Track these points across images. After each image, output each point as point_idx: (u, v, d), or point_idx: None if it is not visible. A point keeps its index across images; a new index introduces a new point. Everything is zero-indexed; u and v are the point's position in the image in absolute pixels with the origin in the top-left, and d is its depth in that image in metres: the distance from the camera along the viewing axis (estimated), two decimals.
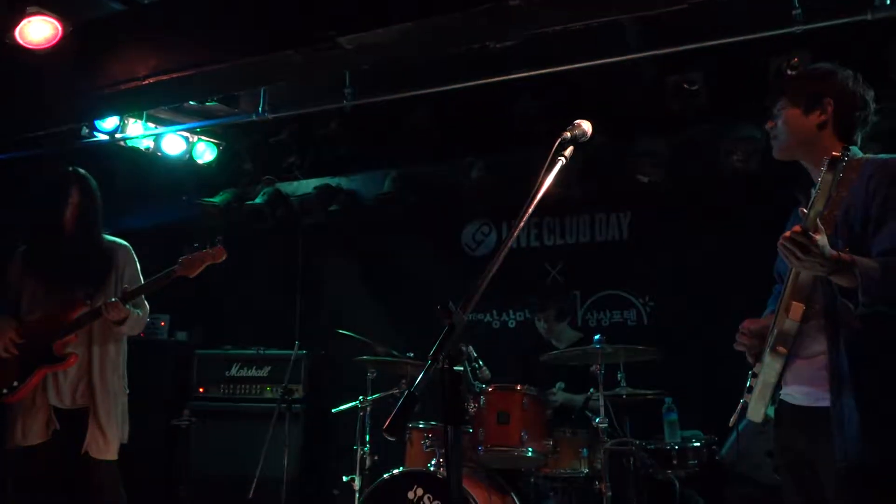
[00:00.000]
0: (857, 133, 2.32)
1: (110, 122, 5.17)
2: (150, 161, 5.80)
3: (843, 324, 2.13)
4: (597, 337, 3.87)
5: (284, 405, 4.92)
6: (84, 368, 3.48)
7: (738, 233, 4.69)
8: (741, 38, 3.68)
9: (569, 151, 1.99)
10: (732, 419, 2.42)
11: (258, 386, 5.61)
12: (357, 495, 4.20)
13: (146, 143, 5.71)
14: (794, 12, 3.51)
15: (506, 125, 5.21)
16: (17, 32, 3.85)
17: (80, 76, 4.24)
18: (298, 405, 5.27)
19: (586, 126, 2.04)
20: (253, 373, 5.65)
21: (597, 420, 3.80)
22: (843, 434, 2.08)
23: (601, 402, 3.82)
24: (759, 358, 2.35)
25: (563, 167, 1.97)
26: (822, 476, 2.18)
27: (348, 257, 6.29)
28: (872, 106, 2.33)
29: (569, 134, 2.02)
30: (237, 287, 6.20)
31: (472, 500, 3.55)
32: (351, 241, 6.25)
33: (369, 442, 4.33)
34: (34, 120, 4.66)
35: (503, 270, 1.80)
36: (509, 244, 1.81)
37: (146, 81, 4.17)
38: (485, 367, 4.29)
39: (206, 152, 6.02)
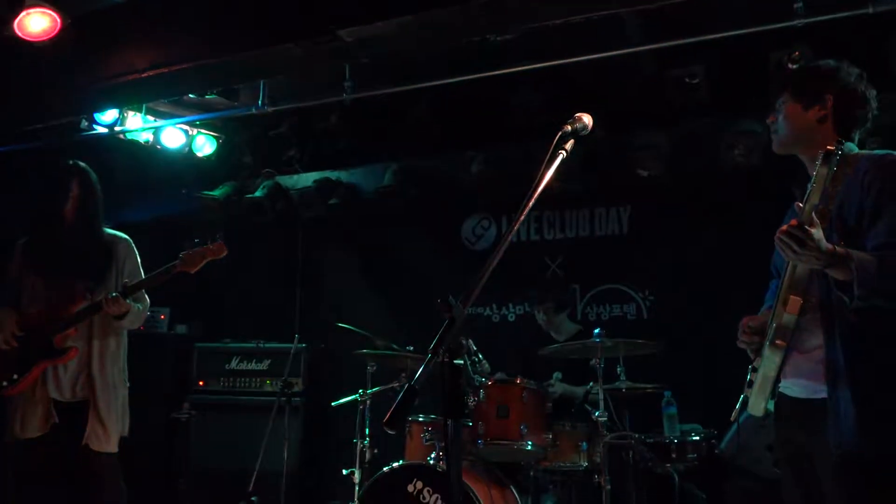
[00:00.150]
0: (856, 130, 2.34)
1: (109, 115, 5.16)
2: (149, 154, 5.79)
3: (838, 317, 2.14)
4: (597, 331, 3.87)
5: (284, 398, 4.92)
6: (84, 361, 3.48)
7: (739, 227, 4.69)
8: (742, 31, 3.68)
9: (569, 145, 1.99)
10: (734, 414, 2.43)
11: (258, 379, 5.62)
12: (357, 488, 4.21)
13: (145, 137, 5.71)
14: (795, 6, 3.50)
15: (506, 119, 5.21)
16: (15, 25, 3.83)
17: (79, 69, 4.23)
18: (298, 398, 5.28)
19: (587, 119, 2.04)
20: (253, 366, 5.65)
21: (596, 414, 3.81)
22: (839, 426, 2.10)
23: (601, 395, 3.83)
24: (759, 353, 2.36)
25: (563, 161, 1.96)
26: (819, 469, 2.20)
27: (348, 251, 6.29)
28: (874, 105, 2.34)
29: (569, 127, 2.02)
30: (237, 280, 6.20)
31: (471, 494, 3.56)
32: (351, 235, 6.25)
33: (369, 435, 4.34)
34: (33, 113, 4.65)
35: (503, 264, 1.80)
36: (509, 238, 1.81)
37: (145, 74, 4.16)
38: (484, 361, 4.29)
39: (205, 145, 6.01)
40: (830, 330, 2.17)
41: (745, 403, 2.39)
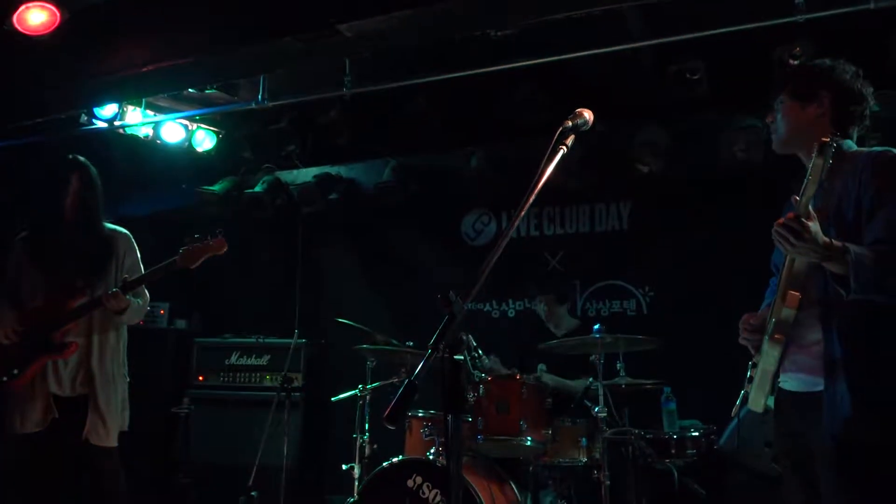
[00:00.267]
0: (853, 127, 2.37)
1: (109, 110, 5.16)
2: (149, 149, 5.79)
3: (836, 312, 2.17)
4: (596, 327, 3.87)
5: (284, 393, 4.92)
6: (84, 356, 3.48)
7: (739, 223, 4.68)
8: (743, 26, 3.67)
9: (570, 140, 1.99)
10: (734, 410, 2.45)
11: (258, 374, 5.62)
12: (356, 483, 4.21)
13: (145, 131, 5.70)
14: (796, 1, 3.49)
15: (506, 114, 5.19)
16: (15, 19, 3.82)
17: (78, 63, 4.22)
18: (298, 393, 5.28)
19: (587, 115, 2.04)
20: (252, 361, 5.65)
21: (596, 409, 3.81)
22: (834, 416, 2.14)
23: (600, 391, 3.83)
24: (759, 349, 2.37)
25: (563, 156, 1.96)
26: (818, 461, 2.22)
27: (348, 246, 6.29)
28: (871, 102, 2.38)
29: (570, 123, 2.02)
30: (237, 275, 6.19)
31: (471, 489, 3.56)
32: (351, 230, 6.25)
33: (369, 430, 4.34)
34: (32, 107, 4.65)
35: (503, 260, 1.80)
36: (509, 234, 1.81)
37: (145, 69, 4.15)
38: (484, 357, 4.29)
39: (205, 140, 6.01)
40: (828, 324, 2.19)
41: (745, 399, 2.40)
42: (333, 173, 6.10)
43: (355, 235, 6.25)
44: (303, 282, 6.23)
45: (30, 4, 3.81)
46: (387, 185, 5.76)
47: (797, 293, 2.22)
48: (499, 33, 3.73)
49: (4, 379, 3.43)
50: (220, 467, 5.29)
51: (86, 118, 5.16)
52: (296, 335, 5.26)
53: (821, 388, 2.20)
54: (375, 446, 4.34)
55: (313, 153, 6.18)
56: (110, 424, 3.45)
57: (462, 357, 3.75)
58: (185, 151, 5.97)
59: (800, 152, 2.41)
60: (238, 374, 5.65)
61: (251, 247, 6.16)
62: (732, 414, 2.46)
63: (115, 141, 5.54)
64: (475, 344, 4.28)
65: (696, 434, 3.98)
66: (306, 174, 6.19)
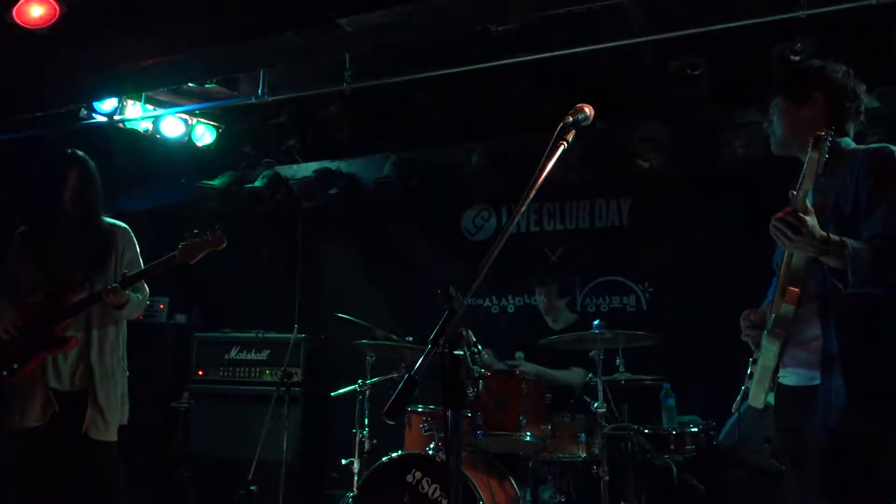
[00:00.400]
0: (849, 124, 2.41)
1: (109, 104, 5.15)
2: (148, 143, 5.78)
3: (835, 307, 2.20)
4: (596, 322, 3.87)
5: (283, 388, 4.93)
6: (83, 351, 3.48)
7: (739, 220, 4.68)
8: (744, 22, 3.66)
9: (570, 136, 1.98)
10: (735, 405, 2.46)
11: (257, 369, 5.63)
12: (356, 478, 4.22)
13: (145, 126, 5.69)
14: None
15: (506, 109, 5.19)
16: (14, 12, 3.81)
17: (77, 57, 4.22)
18: (297, 388, 5.28)
19: (588, 110, 2.04)
20: (252, 356, 5.66)
21: (595, 405, 3.81)
22: (830, 409, 2.16)
23: (600, 387, 3.83)
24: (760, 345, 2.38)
25: (564, 152, 1.96)
26: (812, 452, 2.23)
27: (348, 241, 6.29)
28: (864, 98, 2.42)
29: (570, 118, 2.02)
30: (236, 270, 6.19)
31: (470, 484, 3.57)
32: (351, 225, 6.25)
33: (368, 425, 4.35)
34: (32, 101, 4.64)
35: (503, 255, 1.80)
36: (510, 229, 1.81)
37: (145, 63, 4.15)
38: (483, 352, 4.29)
39: (205, 135, 6.00)
40: (826, 319, 2.22)
41: (745, 395, 2.41)
42: (333, 168, 6.09)
43: (355, 230, 6.25)
44: (302, 277, 6.22)
45: None
46: (387, 181, 5.76)
47: (796, 289, 2.24)
48: (499, 28, 3.72)
49: (4, 374, 3.43)
50: (220, 462, 5.30)
51: (85, 112, 5.15)
52: (295, 330, 5.25)
53: (818, 381, 2.22)
54: (375, 441, 4.35)
55: (313, 148, 6.18)
56: (110, 419, 3.46)
57: (462, 352, 3.76)
58: (185, 146, 5.96)
59: (798, 153, 2.43)
60: (238, 369, 5.66)
61: (251, 242, 6.16)
62: (733, 409, 2.48)
63: (115, 135, 5.53)
64: (475, 339, 4.28)
65: (696, 430, 3.99)
66: (306, 169, 6.19)
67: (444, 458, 3.66)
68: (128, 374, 3.65)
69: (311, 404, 5.52)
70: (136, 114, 5.39)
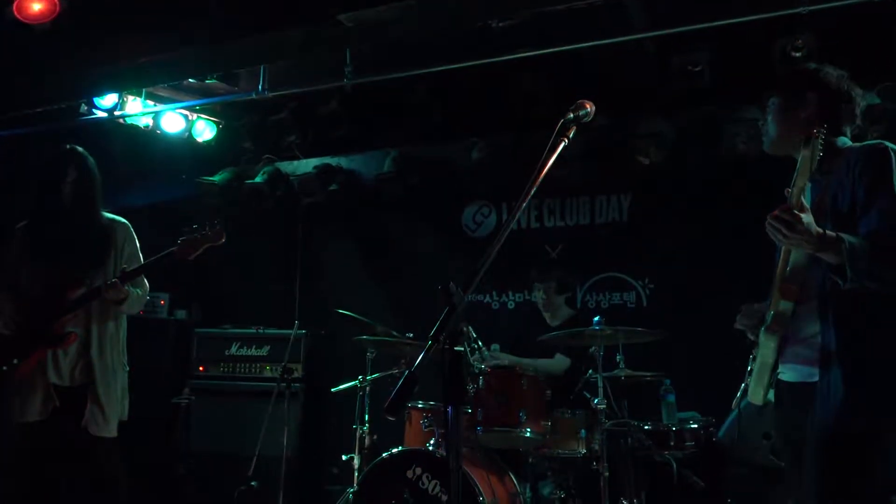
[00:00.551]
0: (844, 126, 2.42)
1: (109, 100, 5.14)
2: (149, 139, 5.77)
3: (833, 304, 2.21)
4: (596, 319, 3.87)
5: (284, 384, 4.93)
6: (83, 346, 3.48)
7: (740, 216, 4.67)
8: (746, 18, 3.65)
9: (571, 132, 1.98)
10: (735, 402, 2.47)
11: (258, 365, 5.63)
12: (356, 474, 4.22)
13: (145, 121, 5.68)
14: None
15: (507, 105, 5.18)
16: (14, 8, 3.81)
17: (78, 53, 4.21)
18: (298, 384, 5.29)
19: (589, 106, 2.04)
20: (252, 352, 5.66)
21: (595, 401, 3.82)
22: (827, 405, 2.17)
23: (600, 383, 3.83)
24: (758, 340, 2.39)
25: (565, 148, 1.96)
26: (810, 446, 2.24)
27: (348, 237, 6.28)
28: (861, 102, 2.44)
29: (571, 114, 2.02)
30: (237, 266, 6.19)
31: (470, 480, 3.57)
32: (351, 221, 6.24)
33: (368, 421, 4.35)
34: (32, 97, 4.63)
35: (503, 251, 1.80)
36: (510, 226, 1.81)
37: (145, 59, 4.14)
38: (484, 348, 4.30)
39: (205, 131, 5.99)
40: (825, 316, 2.23)
41: (746, 391, 2.42)
42: (334, 164, 6.09)
43: (356, 226, 6.24)
44: (303, 273, 6.23)
45: None
46: (387, 176, 5.76)
47: (794, 286, 2.26)
48: (500, 24, 3.71)
49: (4, 369, 3.43)
50: (221, 457, 5.31)
51: (86, 108, 5.14)
52: (296, 326, 5.25)
53: (817, 378, 2.23)
54: (375, 437, 4.35)
55: (314, 144, 6.17)
56: (109, 414, 3.46)
57: (462, 348, 3.76)
58: (186, 142, 5.95)
59: (792, 152, 2.45)
60: (238, 365, 5.66)
61: (251, 238, 6.15)
62: (733, 406, 2.48)
63: (115, 131, 5.53)
64: (475, 335, 4.28)
65: (695, 426, 3.99)
66: (306, 165, 6.18)
67: (444, 454, 3.67)
68: (128, 369, 3.65)
69: (311, 400, 5.52)
70: (136, 109, 5.38)
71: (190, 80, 4.99)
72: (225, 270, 6.20)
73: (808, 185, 2.33)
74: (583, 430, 3.94)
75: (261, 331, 5.69)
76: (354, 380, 4.41)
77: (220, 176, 6.24)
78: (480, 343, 4.28)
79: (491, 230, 5.79)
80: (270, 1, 3.77)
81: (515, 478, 3.94)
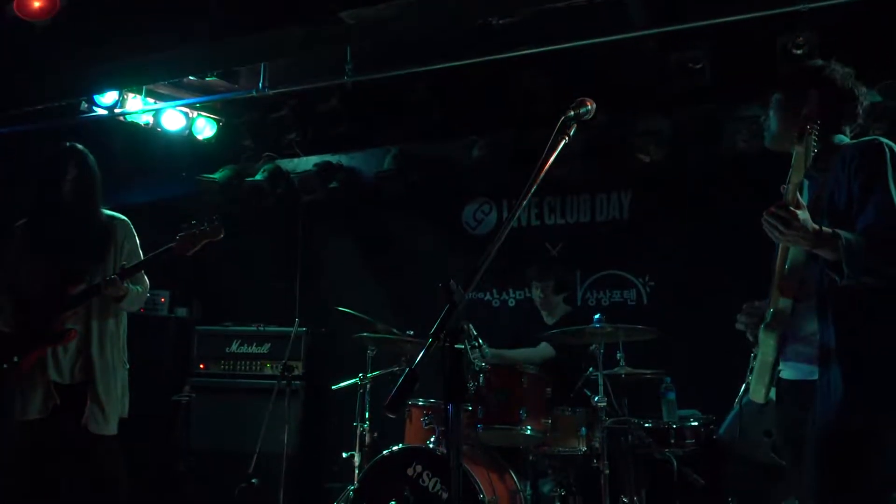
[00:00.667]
0: (845, 125, 2.42)
1: (109, 97, 5.14)
2: (149, 137, 5.77)
3: (831, 300, 2.21)
4: (597, 316, 3.87)
5: (284, 382, 4.93)
6: (83, 343, 3.49)
7: (740, 214, 4.65)
8: (747, 15, 3.65)
9: (571, 130, 1.98)
10: (737, 399, 2.48)
11: (258, 362, 5.63)
12: (356, 471, 4.23)
13: (145, 119, 5.69)
14: None
15: (507, 103, 5.18)
16: (14, 5, 3.81)
17: (78, 50, 4.21)
18: (298, 382, 5.29)
19: (589, 104, 2.04)
20: (253, 349, 5.66)
21: (595, 399, 3.82)
22: (827, 402, 2.17)
23: (600, 381, 3.83)
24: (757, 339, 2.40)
25: (565, 146, 1.96)
26: (809, 444, 2.25)
27: (348, 235, 6.28)
28: (864, 101, 2.44)
29: (572, 112, 2.02)
30: (237, 264, 6.20)
31: (470, 478, 3.57)
32: (351, 219, 6.24)
33: (369, 419, 4.35)
34: (32, 94, 4.63)
35: (503, 249, 1.80)
36: (511, 223, 1.81)
37: (145, 56, 4.14)
38: (484, 346, 4.29)
39: (205, 128, 5.99)
40: (824, 313, 2.24)
41: (747, 389, 2.42)
42: (334, 162, 6.09)
43: (356, 224, 6.24)
44: (303, 270, 6.22)
45: None
46: (387, 174, 5.75)
47: (793, 283, 2.26)
48: (500, 21, 3.71)
49: (5, 366, 3.43)
50: (221, 455, 5.31)
51: (86, 106, 5.15)
52: (296, 324, 5.25)
53: (816, 375, 2.24)
54: (376, 434, 4.36)
55: (314, 141, 6.17)
56: (109, 412, 3.46)
57: (463, 346, 3.77)
58: (186, 139, 5.95)
59: (791, 148, 2.44)
60: (239, 363, 5.66)
61: (251, 235, 6.15)
62: (735, 403, 2.49)
63: (116, 128, 5.53)
64: (475, 333, 4.28)
65: (696, 424, 4.00)
66: (307, 162, 6.18)
67: (444, 451, 3.67)
68: (128, 366, 3.65)
69: (311, 398, 5.53)
70: (136, 107, 5.39)
71: (190, 77, 5.00)
72: (225, 268, 6.20)
73: (806, 182, 2.34)
74: (583, 428, 3.94)
75: (261, 328, 5.69)
76: (355, 377, 4.42)
77: (220, 173, 6.24)
78: (481, 341, 4.28)
79: (491, 228, 5.79)
80: None
81: (516, 475, 3.94)
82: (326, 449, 5.48)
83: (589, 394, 3.97)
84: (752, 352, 2.43)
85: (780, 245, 2.28)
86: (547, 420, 3.89)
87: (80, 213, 3.57)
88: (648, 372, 4.07)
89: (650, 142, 4.92)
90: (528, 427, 3.79)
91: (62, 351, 3.46)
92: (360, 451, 4.29)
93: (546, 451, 4.00)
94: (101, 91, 5.00)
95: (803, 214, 2.09)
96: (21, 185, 3.83)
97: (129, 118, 5.52)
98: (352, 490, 3.96)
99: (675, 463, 3.93)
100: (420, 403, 4.09)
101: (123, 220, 3.69)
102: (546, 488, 4.13)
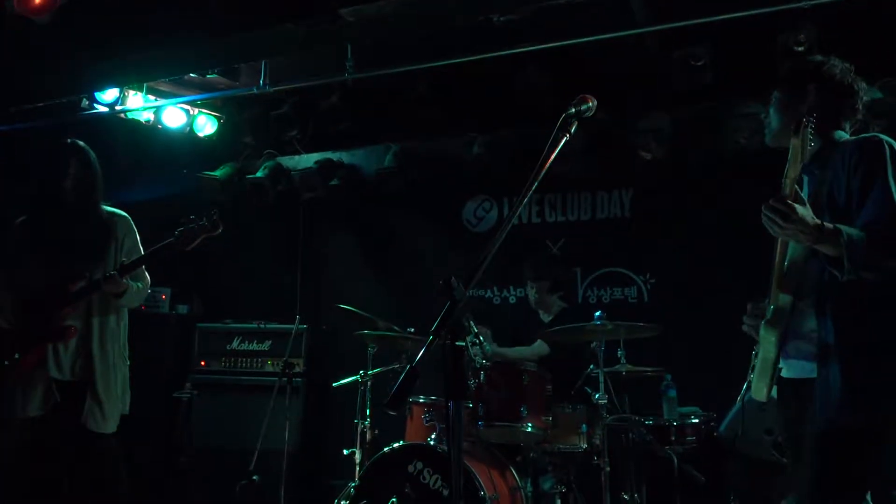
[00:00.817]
0: (844, 121, 2.42)
1: (110, 94, 5.14)
2: (150, 134, 5.77)
3: (831, 298, 2.22)
4: (598, 314, 3.87)
5: (285, 379, 4.94)
6: (84, 340, 3.48)
7: (741, 211, 4.65)
8: (748, 12, 3.64)
9: (573, 127, 1.98)
10: (740, 396, 2.48)
11: (259, 359, 5.63)
12: (357, 468, 4.23)
13: (146, 116, 5.68)
14: None
15: (508, 100, 5.17)
16: (15, 1, 3.80)
17: (79, 47, 4.21)
18: (299, 379, 5.29)
19: (591, 101, 2.03)
20: (254, 346, 5.66)
21: (596, 396, 3.82)
22: (826, 400, 2.18)
23: (601, 378, 3.84)
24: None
25: (566, 143, 1.96)
26: (808, 443, 2.25)
27: (349, 232, 6.28)
28: (863, 96, 2.44)
29: (573, 109, 2.01)
30: (238, 261, 6.20)
31: (471, 475, 3.58)
32: (352, 216, 6.24)
33: (370, 416, 4.36)
34: (33, 91, 4.63)
35: (504, 246, 1.80)
36: (512, 221, 1.81)
37: (146, 53, 4.14)
38: (485, 343, 4.30)
39: (206, 125, 5.99)
40: (823, 311, 2.24)
41: (749, 387, 2.43)
42: (335, 159, 6.08)
43: (357, 221, 6.24)
44: (304, 267, 6.23)
45: None
46: (388, 171, 5.75)
47: (793, 280, 2.26)
48: (501, 18, 3.70)
49: (6, 363, 3.43)
50: (222, 452, 5.31)
51: (87, 103, 5.14)
52: (297, 321, 5.26)
53: (815, 373, 2.24)
54: (377, 432, 4.36)
55: (315, 139, 6.17)
56: (108, 410, 3.44)
57: (464, 343, 3.76)
58: (187, 136, 5.95)
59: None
60: (240, 360, 5.67)
61: (252, 232, 6.15)
62: (738, 400, 2.49)
63: (116, 126, 5.52)
64: (476, 330, 4.28)
65: (696, 421, 4.00)
66: (308, 160, 6.17)
67: (445, 448, 3.67)
68: (129, 363, 3.65)
69: (312, 395, 5.53)
70: (137, 104, 5.38)
71: (191, 74, 4.99)
72: (226, 265, 6.21)
73: (805, 178, 2.34)
74: (584, 425, 3.95)
75: (262, 325, 5.70)
76: (356, 374, 4.42)
77: (221, 171, 6.24)
78: (482, 338, 4.28)
79: (492, 225, 5.79)
80: None
81: (516, 472, 3.94)
82: (327, 446, 5.49)
83: (590, 391, 3.97)
84: (754, 349, 2.43)
85: (780, 241, 2.28)
86: (548, 417, 3.89)
87: (81, 209, 3.56)
88: (649, 369, 4.07)
89: (651, 139, 4.91)
90: (529, 424, 3.79)
91: (62, 348, 3.45)
92: (361, 448, 4.30)
93: (547, 449, 4.00)
94: (101, 88, 5.00)
95: (802, 209, 2.09)
96: (21, 182, 3.83)
97: (129, 115, 5.51)
98: (353, 487, 3.97)
99: (675, 460, 3.94)
100: (421, 400, 4.09)
101: (124, 216, 3.69)
102: (547, 485, 4.14)
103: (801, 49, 4.06)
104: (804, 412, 2.29)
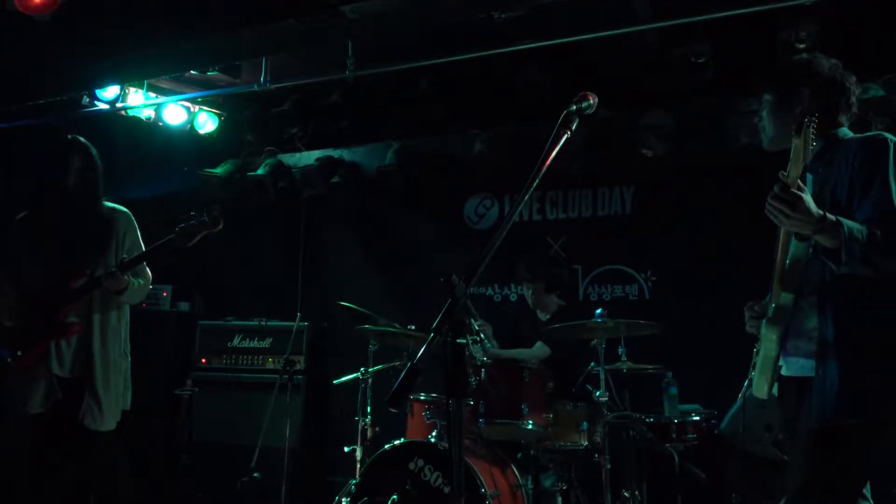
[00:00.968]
0: (841, 116, 2.42)
1: (111, 92, 5.14)
2: (150, 131, 5.77)
3: (831, 296, 2.22)
4: (598, 311, 3.87)
5: (286, 376, 4.94)
6: (85, 337, 3.48)
7: (742, 208, 4.66)
8: (750, 9, 3.63)
9: (574, 124, 1.98)
10: (741, 394, 2.48)
11: (260, 357, 5.64)
12: (358, 466, 4.24)
13: (147, 113, 5.68)
14: None
15: (509, 97, 5.17)
16: None
17: (80, 44, 4.20)
18: (300, 376, 5.30)
19: (592, 98, 2.03)
20: (255, 344, 5.67)
21: (597, 394, 3.82)
22: (823, 397, 2.18)
23: (602, 376, 3.84)
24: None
25: (567, 140, 1.96)
26: (805, 439, 2.25)
27: (350, 229, 6.28)
28: (856, 90, 2.43)
29: (574, 106, 2.01)
30: (239, 258, 6.20)
31: (472, 472, 3.58)
32: (353, 214, 6.24)
33: (371, 413, 4.36)
34: (33, 89, 4.63)
35: (505, 244, 1.79)
36: (513, 218, 1.81)
37: (147, 50, 4.13)
38: (486, 341, 4.30)
39: (207, 122, 5.98)
40: (823, 309, 2.24)
41: (750, 384, 2.43)
42: (336, 156, 6.08)
43: (357, 219, 6.24)
44: (305, 265, 6.23)
45: None
46: (389, 169, 5.75)
47: (794, 278, 2.26)
48: (502, 15, 3.70)
49: (8, 360, 3.44)
50: (223, 449, 5.32)
51: (87, 100, 5.14)
52: (298, 318, 5.26)
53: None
54: (377, 429, 4.36)
55: (316, 136, 6.16)
56: (107, 408, 3.44)
57: (464, 340, 3.76)
58: (188, 134, 5.95)
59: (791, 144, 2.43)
60: (241, 357, 5.67)
61: (253, 230, 6.15)
62: (739, 397, 2.49)
63: (117, 123, 5.52)
64: (478, 327, 4.29)
65: (697, 418, 4.00)
66: (308, 157, 6.17)
67: (446, 445, 3.67)
68: (129, 358, 3.64)
69: (313, 392, 5.53)
70: (138, 101, 5.38)
71: (192, 71, 4.99)
72: (227, 262, 6.21)
73: (809, 177, 2.34)
74: (585, 423, 3.95)
75: (263, 323, 5.70)
76: (356, 372, 4.42)
77: (222, 168, 6.24)
78: (483, 335, 4.28)
79: (493, 222, 5.78)
80: None
81: (517, 470, 3.95)
82: (328, 443, 5.50)
83: (590, 388, 3.97)
84: (755, 347, 2.43)
85: (781, 239, 2.28)
86: (548, 415, 3.89)
87: (82, 205, 3.56)
88: (650, 367, 4.07)
89: (652, 136, 4.90)
90: (530, 422, 3.79)
91: (64, 344, 3.46)
92: (362, 445, 4.30)
93: (547, 446, 4.00)
94: (102, 85, 5.00)
95: (808, 198, 2.09)
96: (22, 179, 3.83)
97: (130, 112, 5.51)
98: (354, 484, 3.97)
99: (676, 457, 3.94)
100: (422, 398, 4.10)
101: (125, 212, 3.69)
102: (547, 483, 4.14)
103: (802, 46, 4.05)
104: (801, 409, 2.29)
